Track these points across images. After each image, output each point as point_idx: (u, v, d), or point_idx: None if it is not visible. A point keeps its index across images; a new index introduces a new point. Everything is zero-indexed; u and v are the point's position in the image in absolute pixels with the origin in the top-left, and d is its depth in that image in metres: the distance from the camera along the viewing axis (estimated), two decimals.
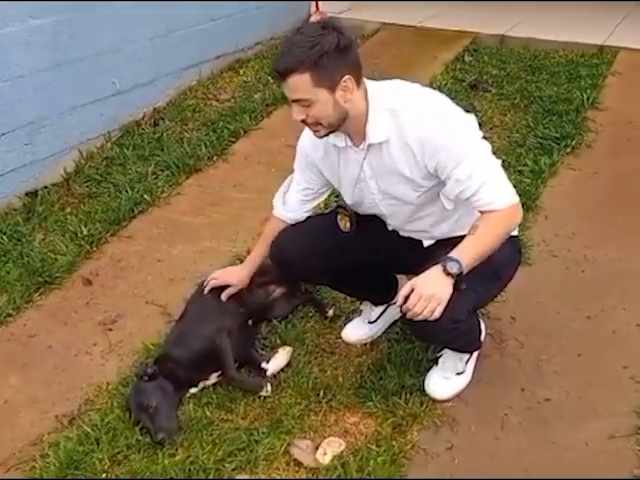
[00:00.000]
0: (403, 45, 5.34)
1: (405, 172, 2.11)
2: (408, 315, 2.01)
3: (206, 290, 2.59)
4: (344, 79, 1.99)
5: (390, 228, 2.37)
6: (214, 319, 2.51)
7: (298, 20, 5.53)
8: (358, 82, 2.04)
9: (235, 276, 2.60)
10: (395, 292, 2.62)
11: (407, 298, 1.99)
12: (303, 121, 2.07)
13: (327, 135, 2.12)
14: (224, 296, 2.56)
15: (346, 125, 2.08)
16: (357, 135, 2.13)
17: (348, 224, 2.33)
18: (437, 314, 1.97)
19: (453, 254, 2.00)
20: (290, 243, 2.34)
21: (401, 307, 2.03)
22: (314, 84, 1.97)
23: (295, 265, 2.35)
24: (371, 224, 2.33)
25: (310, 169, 2.36)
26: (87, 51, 3.90)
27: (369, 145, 2.11)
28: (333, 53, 1.95)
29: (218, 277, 2.61)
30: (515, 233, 2.28)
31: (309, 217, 2.44)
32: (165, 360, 2.42)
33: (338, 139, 2.17)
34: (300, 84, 1.98)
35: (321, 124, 2.06)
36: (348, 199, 2.33)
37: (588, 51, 4.99)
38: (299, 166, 2.40)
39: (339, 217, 2.35)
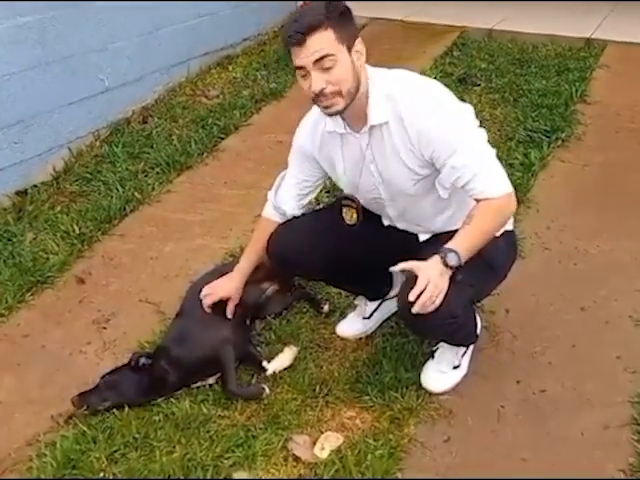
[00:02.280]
0: (391, 40, 5.34)
1: (403, 156, 2.11)
2: (414, 310, 1.98)
3: (205, 305, 2.52)
4: (357, 41, 2.02)
5: (386, 223, 2.38)
6: (218, 326, 2.48)
7: (286, 15, 5.52)
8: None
9: (228, 290, 2.51)
10: (390, 288, 2.64)
11: (408, 288, 1.98)
12: (319, 94, 2.00)
13: (341, 111, 2.05)
14: (229, 313, 2.50)
15: (351, 104, 2.05)
16: (357, 118, 2.12)
17: (355, 216, 2.30)
18: (438, 302, 1.98)
19: (451, 245, 2.01)
20: (288, 239, 2.33)
21: (398, 297, 2.05)
22: (338, 40, 1.97)
23: (293, 261, 2.34)
24: (368, 219, 2.33)
25: (308, 161, 2.35)
26: (75, 49, 3.88)
27: (370, 127, 2.11)
28: (345, 16, 2.00)
29: (211, 294, 2.51)
30: (510, 228, 2.29)
31: (304, 213, 2.44)
32: (161, 356, 2.41)
33: (337, 125, 2.16)
34: (325, 39, 1.95)
35: (340, 93, 2.00)
36: (348, 186, 2.31)
37: (576, 44, 5.01)
38: (295, 160, 2.38)
39: (344, 210, 2.32)
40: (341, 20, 1.98)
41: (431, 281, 1.96)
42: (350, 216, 2.32)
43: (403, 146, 2.09)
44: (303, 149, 2.33)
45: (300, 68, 2.00)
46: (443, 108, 2.06)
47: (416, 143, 2.06)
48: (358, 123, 2.13)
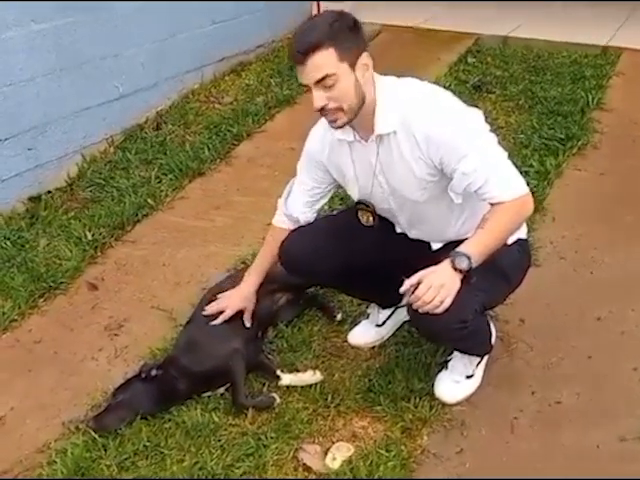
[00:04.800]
0: (405, 47, 5.34)
1: (412, 165, 2.10)
2: (416, 305, 1.98)
3: (209, 312, 2.52)
4: (362, 56, 2.00)
5: (399, 230, 2.36)
6: (229, 336, 2.46)
7: (301, 22, 5.53)
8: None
9: (242, 302, 2.52)
10: (402, 296, 2.61)
11: (415, 288, 1.98)
12: (322, 109, 2.03)
13: (345, 124, 2.08)
14: (247, 322, 2.51)
15: (359, 114, 2.06)
16: (365, 127, 2.11)
17: (371, 218, 2.31)
18: (446, 304, 1.95)
19: (462, 248, 1.99)
20: (300, 246, 2.32)
21: (408, 299, 2.02)
22: (339, 58, 1.96)
23: (305, 267, 2.34)
24: (381, 226, 2.32)
25: (317, 168, 2.34)
26: (89, 55, 3.89)
27: (377, 136, 2.10)
28: (352, 30, 1.98)
29: (225, 309, 2.51)
30: (524, 236, 2.27)
31: (316, 220, 2.43)
32: (171, 365, 2.40)
33: (346, 133, 2.15)
34: (326, 59, 1.95)
35: (342, 109, 2.02)
36: (358, 195, 2.30)
37: (592, 52, 4.98)
38: (305, 167, 2.38)
39: (360, 213, 2.32)
40: (345, 37, 1.96)
41: (434, 283, 1.95)
42: (366, 219, 2.32)
43: (412, 155, 2.08)
44: (312, 156, 2.33)
45: (304, 85, 2.03)
46: (451, 114, 2.05)
47: (425, 150, 2.05)
48: (366, 131, 2.12)
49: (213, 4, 4.67)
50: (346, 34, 1.96)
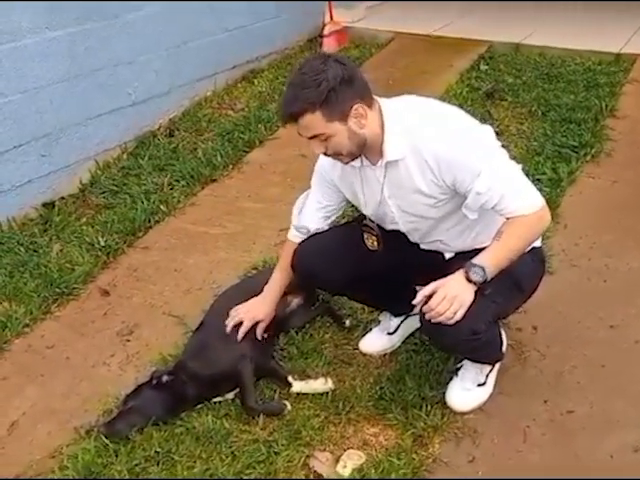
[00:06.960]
0: (418, 54, 5.33)
1: (423, 188, 2.10)
2: (429, 315, 2.00)
3: (230, 326, 2.49)
4: (354, 107, 2.00)
5: (412, 240, 2.35)
6: (237, 341, 2.46)
7: (313, 29, 5.55)
8: (370, 105, 2.05)
9: (261, 311, 2.51)
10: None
11: (428, 299, 1.99)
12: (325, 154, 2.09)
13: (352, 161, 2.13)
14: (259, 333, 2.50)
15: (366, 145, 2.09)
16: (374, 154, 2.13)
17: (375, 243, 2.31)
18: (459, 316, 1.97)
19: (477, 260, 2.00)
20: (312, 253, 2.33)
21: (421, 309, 2.03)
22: (326, 120, 1.98)
23: (317, 275, 2.34)
24: (393, 236, 2.31)
25: (329, 187, 2.36)
26: (103, 62, 3.92)
27: (387, 163, 2.11)
28: (339, 86, 1.96)
29: (245, 316, 2.49)
30: (538, 244, 2.26)
31: (330, 228, 2.43)
32: (180, 370, 2.40)
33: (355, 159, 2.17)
34: (313, 123, 1.99)
35: (341, 154, 2.08)
36: (370, 215, 2.32)
37: (605, 59, 4.94)
38: (318, 185, 2.39)
39: (365, 236, 2.33)
40: (334, 95, 1.95)
41: (448, 294, 1.96)
42: (371, 243, 2.33)
43: (423, 178, 2.08)
44: (324, 175, 2.34)
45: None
46: (460, 133, 2.04)
47: (437, 172, 2.05)
48: (375, 157, 2.13)
49: (225, 11, 4.69)
50: (335, 91, 1.95)
